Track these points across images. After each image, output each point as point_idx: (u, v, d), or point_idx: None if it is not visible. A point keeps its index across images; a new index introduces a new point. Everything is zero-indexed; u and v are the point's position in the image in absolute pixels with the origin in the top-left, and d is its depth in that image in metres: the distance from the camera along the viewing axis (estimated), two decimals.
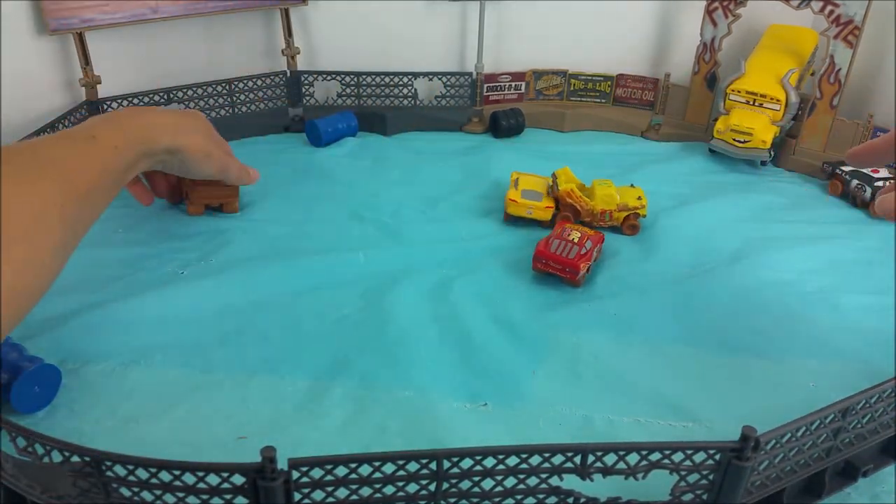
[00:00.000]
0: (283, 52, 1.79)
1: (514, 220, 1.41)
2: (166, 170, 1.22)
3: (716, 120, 1.68)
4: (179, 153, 1.18)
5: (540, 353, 1.07)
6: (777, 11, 1.67)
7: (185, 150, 1.18)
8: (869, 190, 1.45)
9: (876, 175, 1.47)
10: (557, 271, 1.19)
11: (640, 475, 0.71)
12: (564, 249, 1.19)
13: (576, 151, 1.72)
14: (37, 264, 0.82)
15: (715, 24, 1.72)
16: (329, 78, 1.81)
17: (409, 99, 1.84)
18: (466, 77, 1.83)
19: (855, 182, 1.49)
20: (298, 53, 1.80)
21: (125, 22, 1.58)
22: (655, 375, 1.03)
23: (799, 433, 0.75)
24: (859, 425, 0.82)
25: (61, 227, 0.86)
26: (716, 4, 1.70)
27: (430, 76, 1.82)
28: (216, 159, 1.26)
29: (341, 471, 0.67)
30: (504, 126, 1.78)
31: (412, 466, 0.68)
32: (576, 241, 1.20)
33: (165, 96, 1.65)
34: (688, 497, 0.75)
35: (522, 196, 1.39)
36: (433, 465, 0.68)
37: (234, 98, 1.73)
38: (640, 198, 1.37)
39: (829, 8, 1.55)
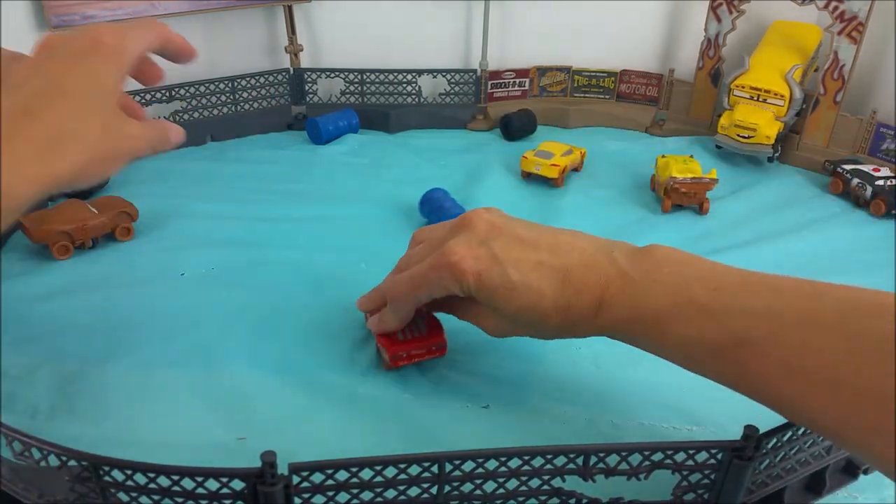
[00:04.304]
0: (286, 49, 1.78)
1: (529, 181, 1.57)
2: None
3: (720, 116, 1.67)
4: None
5: (540, 353, 1.06)
6: (781, 7, 1.66)
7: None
8: (870, 189, 1.45)
9: (877, 174, 1.46)
10: None
11: (642, 476, 0.71)
12: None
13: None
14: None
15: (719, 19, 1.71)
16: (332, 75, 1.80)
17: (413, 96, 1.83)
18: (471, 74, 1.83)
19: (856, 181, 1.48)
20: (301, 51, 1.79)
21: (126, 18, 1.57)
22: (658, 376, 1.03)
23: (800, 431, 0.75)
24: None
25: None
26: (720, 0, 1.69)
27: (434, 73, 1.82)
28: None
29: (342, 475, 0.67)
30: (517, 127, 1.76)
31: (414, 470, 0.68)
32: None
33: (167, 94, 1.65)
34: (690, 497, 0.75)
35: (536, 155, 1.56)
36: (435, 468, 0.68)
37: (237, 96, 1.73)
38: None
39: (833, 4, 1.54)
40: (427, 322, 0.99)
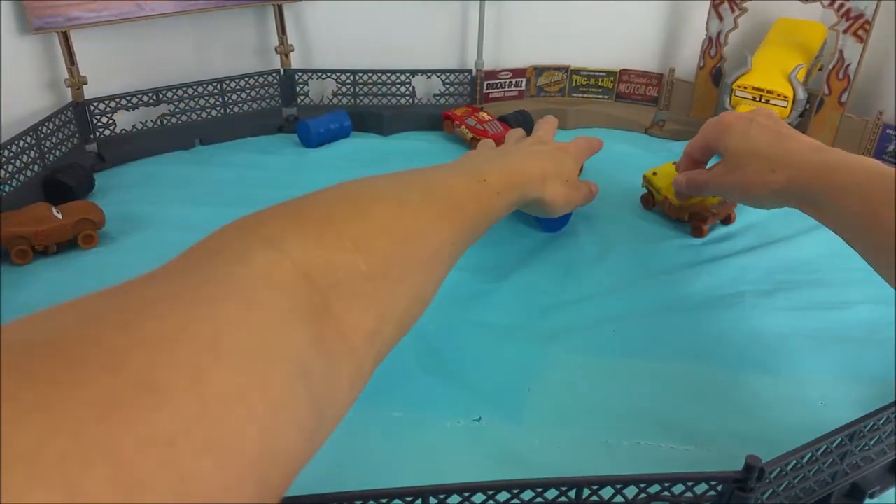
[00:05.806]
0: (276, 49, 1.75)
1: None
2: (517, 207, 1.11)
3: None
4: (542, 203, 1.09)
5: (534, 369, 1.03)
6: (785, 5, 1.63)
7: (549, 202, 1.09)
8: None
9: None
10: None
11: None
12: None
13: None
14: (426, 297, 0.79)
15: (721, 18, 1.67)
16: (324, 76, 1.77)
17: (407, 98, 1.80)
18: (466, 74, 1.79)
19: None
20: (292, 51, 1.76)
21: (112, 20, 1.54)
22: (655, 394, 0.99)
23: (805, 459, 0.72)
24: (867, 447, 0.78)
25: (448, 265, 0.85)
26: None
27: (429, 74, 1.78)
28: (572, 204, 1.17)
29: None
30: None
31: None
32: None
33: (154, 97, 1.61)
34: None
35: None
36: (419, 503, 0.65)
37: (226, 98, 1.69)
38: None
39: (838, 2, 1.50)
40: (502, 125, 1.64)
